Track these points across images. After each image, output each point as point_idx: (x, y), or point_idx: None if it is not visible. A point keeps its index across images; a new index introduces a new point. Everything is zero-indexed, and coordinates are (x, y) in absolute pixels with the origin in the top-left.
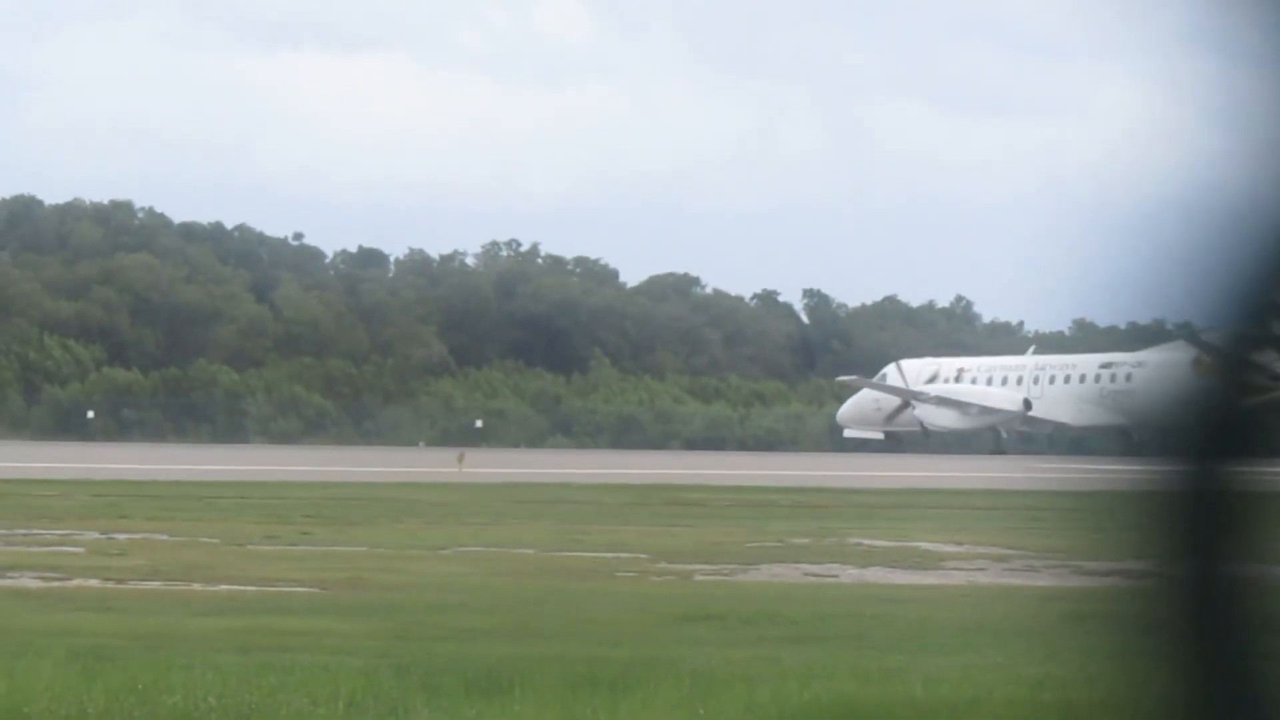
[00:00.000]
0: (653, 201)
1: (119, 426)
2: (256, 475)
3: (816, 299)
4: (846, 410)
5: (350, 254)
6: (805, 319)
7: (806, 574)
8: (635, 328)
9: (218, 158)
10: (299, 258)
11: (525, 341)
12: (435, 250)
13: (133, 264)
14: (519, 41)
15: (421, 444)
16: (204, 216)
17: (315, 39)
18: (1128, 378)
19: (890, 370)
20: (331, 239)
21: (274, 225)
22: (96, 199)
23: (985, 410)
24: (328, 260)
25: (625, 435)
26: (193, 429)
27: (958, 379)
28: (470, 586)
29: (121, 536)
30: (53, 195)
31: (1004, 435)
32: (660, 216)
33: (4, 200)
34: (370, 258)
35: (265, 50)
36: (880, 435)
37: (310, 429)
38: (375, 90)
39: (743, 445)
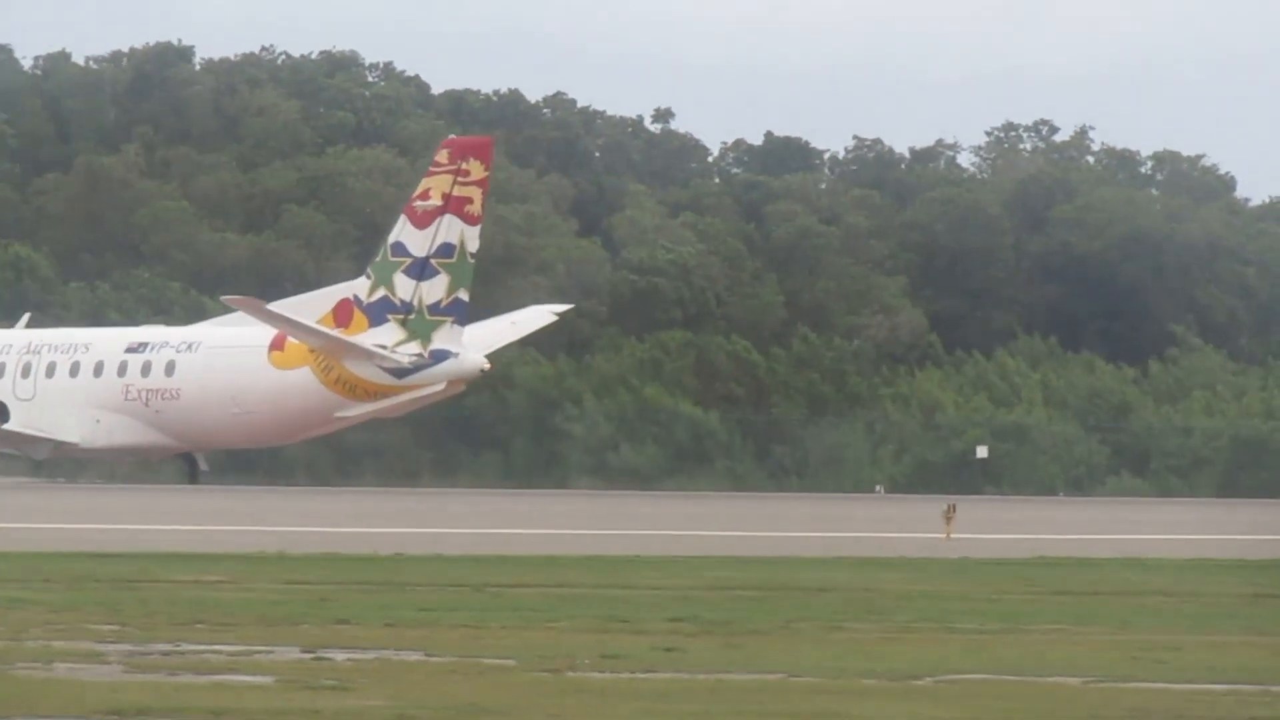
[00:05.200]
0: None
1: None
2: (575, 540)
3: None
4: None
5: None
6: None
7: None
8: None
9: None
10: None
11: (1061, 304)
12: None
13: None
14: None
15: (879, 488)
16: None
17: None
18: (169, 367)
19: None
20: None
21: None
22: None
23: None
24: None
25: (1237, 473)
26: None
27: None
28: None
29: (340, 656)
30: None
31: None
32: None
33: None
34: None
35: None
36: None
37: (677, 458)
38: None
39: None
